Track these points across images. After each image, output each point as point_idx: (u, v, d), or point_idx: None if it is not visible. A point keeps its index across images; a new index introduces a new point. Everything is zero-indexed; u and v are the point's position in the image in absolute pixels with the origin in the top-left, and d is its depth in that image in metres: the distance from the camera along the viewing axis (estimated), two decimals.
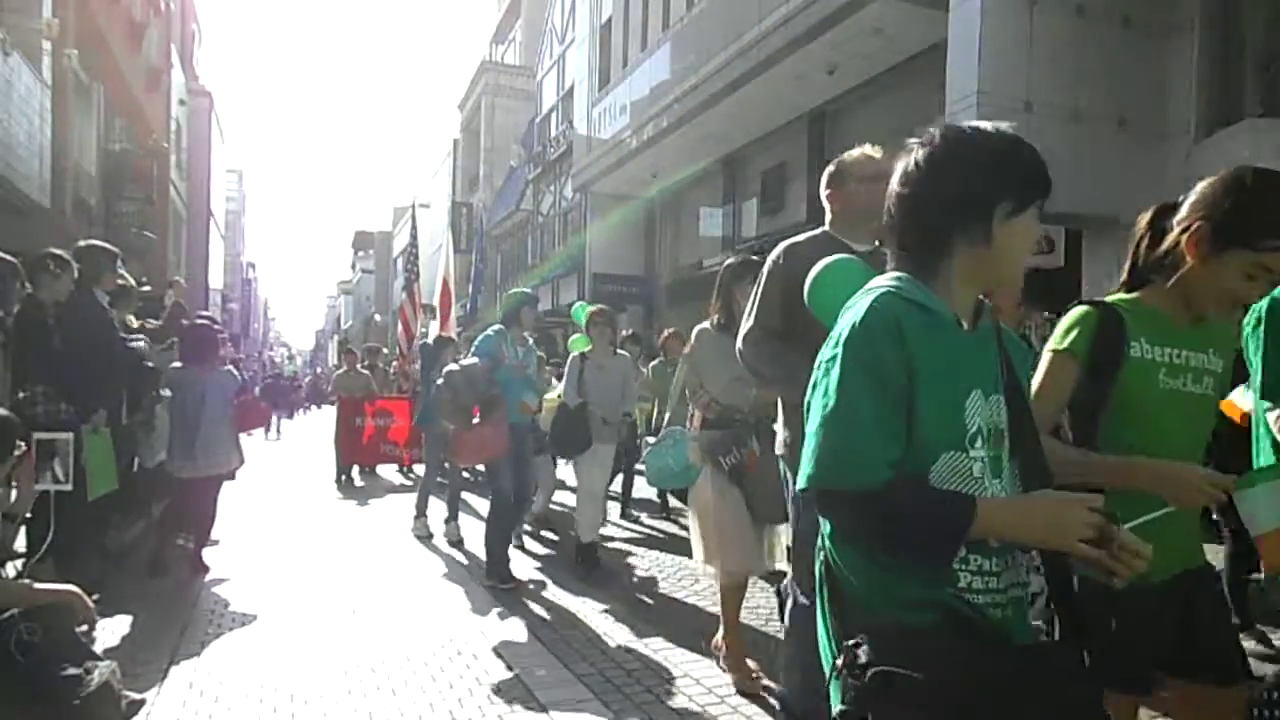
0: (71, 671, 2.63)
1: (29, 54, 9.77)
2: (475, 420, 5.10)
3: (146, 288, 7.09)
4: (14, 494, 3.31)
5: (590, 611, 4.67)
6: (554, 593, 5.10)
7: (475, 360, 5.13)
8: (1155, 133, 8.42)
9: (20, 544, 3.95)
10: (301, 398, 34.02)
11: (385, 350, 15.42)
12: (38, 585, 2.95)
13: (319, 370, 51.77)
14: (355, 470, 10.91)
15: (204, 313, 10.17)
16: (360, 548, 6.54)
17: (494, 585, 5.12)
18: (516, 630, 4.31)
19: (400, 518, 8.11)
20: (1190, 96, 8.36)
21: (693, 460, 3.88)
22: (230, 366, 5.95)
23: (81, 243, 5.16)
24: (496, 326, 5.41)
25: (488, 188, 30.46)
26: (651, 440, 5.68)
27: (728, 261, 4.02)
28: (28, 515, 3.65)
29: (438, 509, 7.37)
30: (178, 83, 22.68)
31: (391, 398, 11.56)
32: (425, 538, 6.72)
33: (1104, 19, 8.32)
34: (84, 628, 2.88)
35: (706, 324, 3.94)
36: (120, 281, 5.48)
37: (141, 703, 3.03)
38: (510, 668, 3.71)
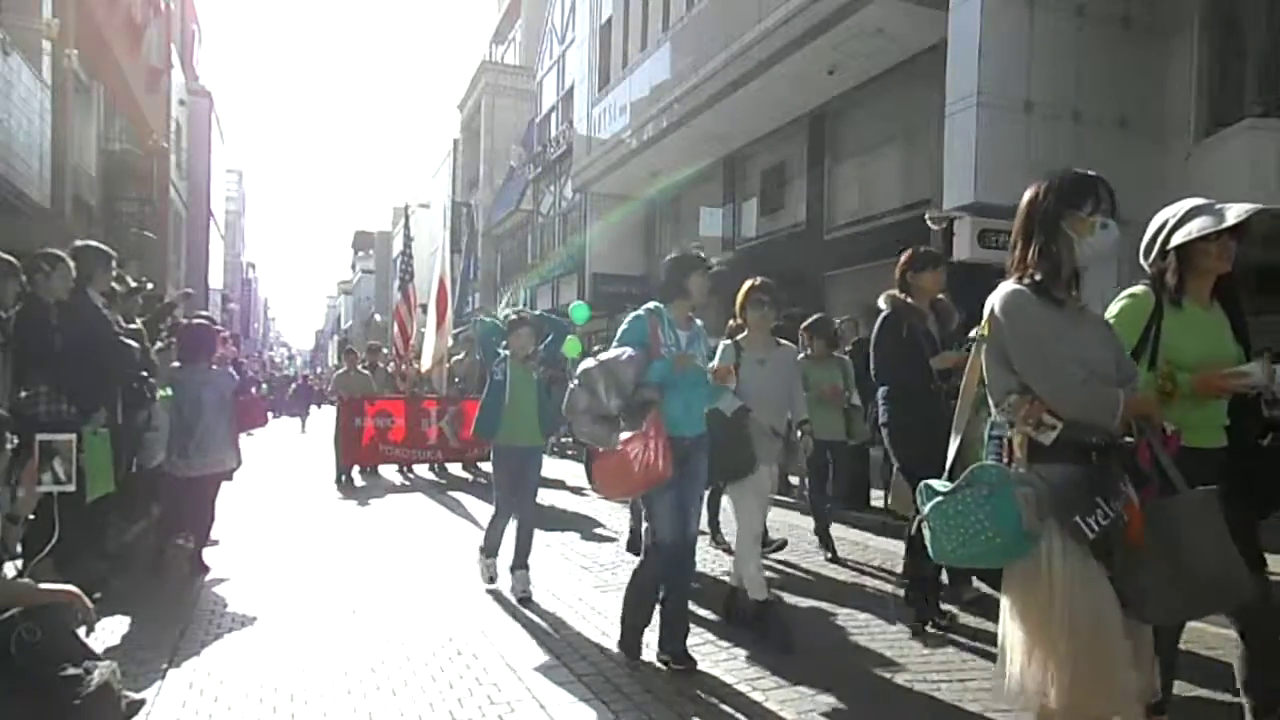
0: (71, 671, 2.63)
1: (29, 54, 9.78)
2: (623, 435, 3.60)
3: (150, 286, 7.07)
4: (17, 495, 3.31)
5: (590, 611, 4.67)
6: (554, 593, 5.10)
7: (621, 351, 3.66)
8: (1155, 133, 8.43)
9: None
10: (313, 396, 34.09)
11: (385, 350, 15.42)
12: (37, 585, 2.95)
13: (319, 370, 51.72)
14: (355, 470, 10.91)
15: (204, 313, 10.17)
16: (360, 548, 6.54)
17: (628, 661, 3.81)
18: (516, 630, 4.31)
19: (400, 518, 8.11)
20: (1190, 96, 8.36)
21: (1028, 522, 2.09)
22: (230, 367, 5.93)
23: (77, 242, 5.16)
24: (650, 305, 3.88)
25: (488, 188, 30.45)
26: None
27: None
28: (30, 516, 3.65)
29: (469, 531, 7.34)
30: (178, 83, 22.69)
31: (391, 398, 11.56)
32: (489, 581, 5.24)
33: (1104, 19, 8.33)
34: (83, 628, 2.87)
35: (1014, 283, 2.31)
36: (115, 285, 5.47)
37: (141, 703, 3.03)
38: (510, 668, 3.71)
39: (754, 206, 15.25)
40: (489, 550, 5.28)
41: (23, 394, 4.36)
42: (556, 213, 23.66)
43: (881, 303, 4.40)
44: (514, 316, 5.31)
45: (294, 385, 27.60)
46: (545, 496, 9.60)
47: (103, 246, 5.21)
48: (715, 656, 3.90)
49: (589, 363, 3.65)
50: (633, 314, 3.85)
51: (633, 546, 6.06)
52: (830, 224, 12.83)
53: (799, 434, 4.65)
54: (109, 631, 4.06)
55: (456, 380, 12.38)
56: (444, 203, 33.20)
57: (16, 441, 3.03)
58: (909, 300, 4.35)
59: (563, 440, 14.70)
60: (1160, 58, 8.45)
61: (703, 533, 5.37)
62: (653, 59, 15.41)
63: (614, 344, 3.77)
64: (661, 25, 15.30)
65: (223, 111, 40.00)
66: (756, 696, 3.41)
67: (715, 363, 4.24)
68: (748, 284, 4.55)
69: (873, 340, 4.39)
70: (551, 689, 3.45)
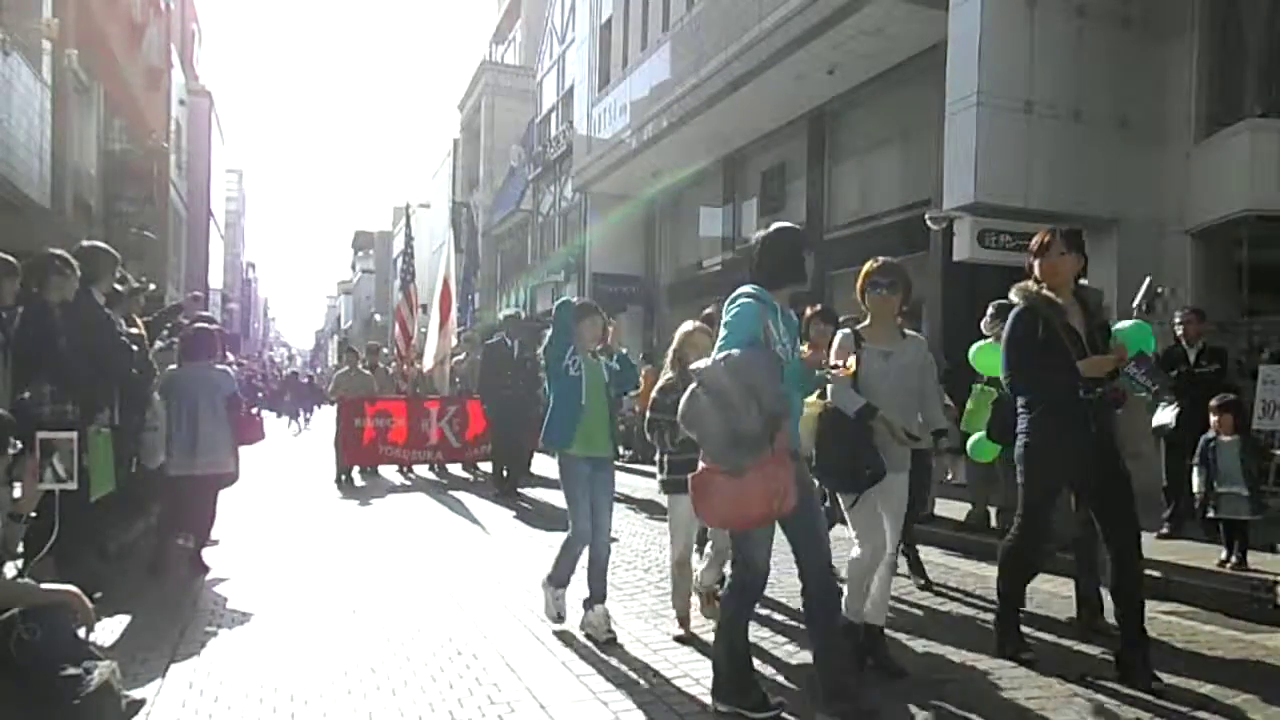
0: (71, 671, 2.63)
1: (29, 54, 9.77)
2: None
3: (153, 287, 7.08)
4: (17, 492, 3.31)
5: None
6: None
7: (752, 351, 2.89)
8: (1155, 133, 8.42)
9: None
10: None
11: (386, 350, 15.43)
12: (37, 585, 2.95)
13: (318, 370, 51.72)
14: (355, 470, 10.91)
15: (204, 313, 10.18)
16: (360, 548, 6.54)
17: (734, 712, 3.12)
18: (516, 630, 4.31)
19: (400, 518, 8.11)
20: (1190, 96, 8.36)
21: None
22: (225, 367, 5.90)
23: (84, 243, 5.16)
24: (751, 288, 3.12)
25: (488, 188, 30.46)
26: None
27: None
28: (32, 515, 3.65)
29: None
30: (178, 83, 22.69)
31: (392, 398, 11.56)
32: (557, 619, 4.36)
33: (1104, 19, 8.33)
34: (83, 628, 2.88)
35: None
36: (118, 285, 5.48)
37: (141, 703, 3.03)
38: (510, 668, 3.71)
39: (754, 206, 15.26)
40: (558, 580, 4.37)
41: (26, 394, 4.36)
42: (556, 213, 23.66)
43: (1014, 295, 3.72)
44: (582, 301, 4.55)
45: (287, 389, 27.43)
46: (545, 496, 9.64)
47: (108, 248, 5.21)
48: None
49: (707, 364, 2.88)
50: (741, 298, 3.05)
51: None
52: (830, 224, 12.83)
53: (937, 444, 4.01)
54: (109, 631, 4.06)
55: (457, 381, 12.38)
56: (446, 203, 33.22)
57: (20, 447, 3.04)
58: (1045, 291, 3.62)
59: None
60: (1160, 58, 8.44)
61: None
62: (653, 59, 15.41)
63: (723, 336, 2.98)
64: (661, 25, 15.30)
65: (223, 111, 40.00)
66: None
67: (834, 352, 3.49)
68: (867, 265, 3.80)
69: (1004, 341, 3.72)
70: (551, 689, 3.45)
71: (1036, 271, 3.65)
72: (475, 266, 20.22)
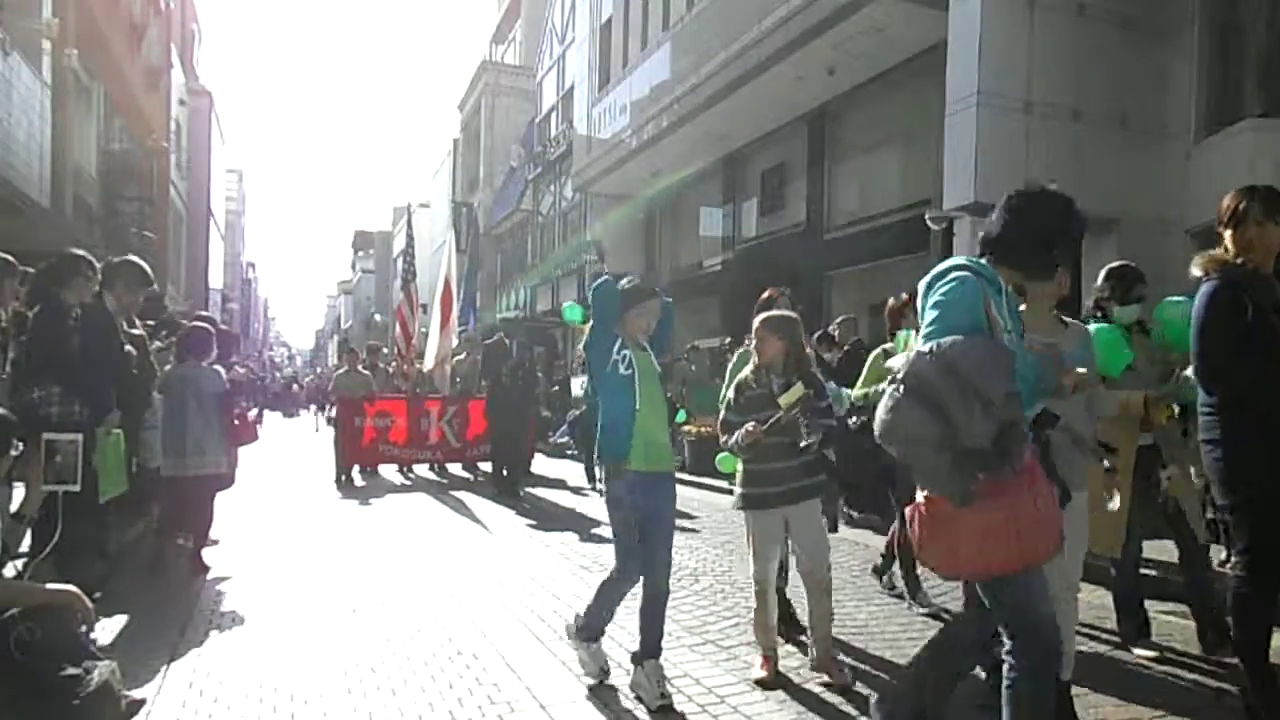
0: (71, 671, 2.63)
1: (29, 54, 9.78)
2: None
3: (152, 287, 7.07)
4: (20, 492, 3.32)
5: None
6: (554, 593, 5.10)
7: (970, 342, 2.17)
8: (1155, 133, 8.42)
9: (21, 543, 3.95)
10: (303, 398, 34.26)
11: (385, 350, 15.43)
12: (38, 585, 2.95)
13: (319, 370, 51.82)
14: (355, 470, 10.91)
15: (203, 313, 10.18)
16: (360, 548, 6.54)
17: None
18: (516, 630, 4.31)
19: (400, 518, 8.11)
20: (1190, 96, 8.36)
21: None
22: (217, 367, 5.88)
23: (116, 259, 5.18)
24: (965, 258, 2.41)
25: (488, 188, 30.46)
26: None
27: None
28: (34, 515, 3.65)
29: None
30: (178, 83, 22.70)
31: (391, 398, 11.56)
32: (599, 677, 3.56)
33: (1104, 19, 8.32)
34: (83, 628, 2.88)
35: None
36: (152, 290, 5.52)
37: (141, 703, 3.03)
38: (510, 668, 3.71)
39: (754, 206, 15.26)
40: (591, 631, 3.59)
41: (36, 394, 4.36)
42: (556, 213, 23.66)
43: (1196, 269, 3.03)
44: (632, 282, 3.64)
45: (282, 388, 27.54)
46: (546, 495, 9.65)
47: (140, 263, 5.20)
48: (715, 656, 3.90)
49: (910, 359, 2.19)
50: (952, 272, 2.33)
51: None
52: (830, 224, 12.83)
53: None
54: (109, 631, 4.06)
55: (458, 380, 12.39)
56: (446, 203, 33.23)
57: (21, 447, 3.04)
58: (1247, 264, 2.92)
59: (559, 440, 14.72)
60: (1160, 58, 8.45)
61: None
62: (653, 59, 15.41)
63: (931, 321, 2.27)
64: (661, 25, 15.30)
65: (223, 111, 40.05)
66: (756, 696, 3.41)
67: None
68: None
69: (1196, 325, 2.95)
70: (551, 689, 3.45)
71: (1228, 243, 2.97)
72: (478, 266, 20.20)
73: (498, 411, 9.85)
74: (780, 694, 3.43)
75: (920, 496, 2.29)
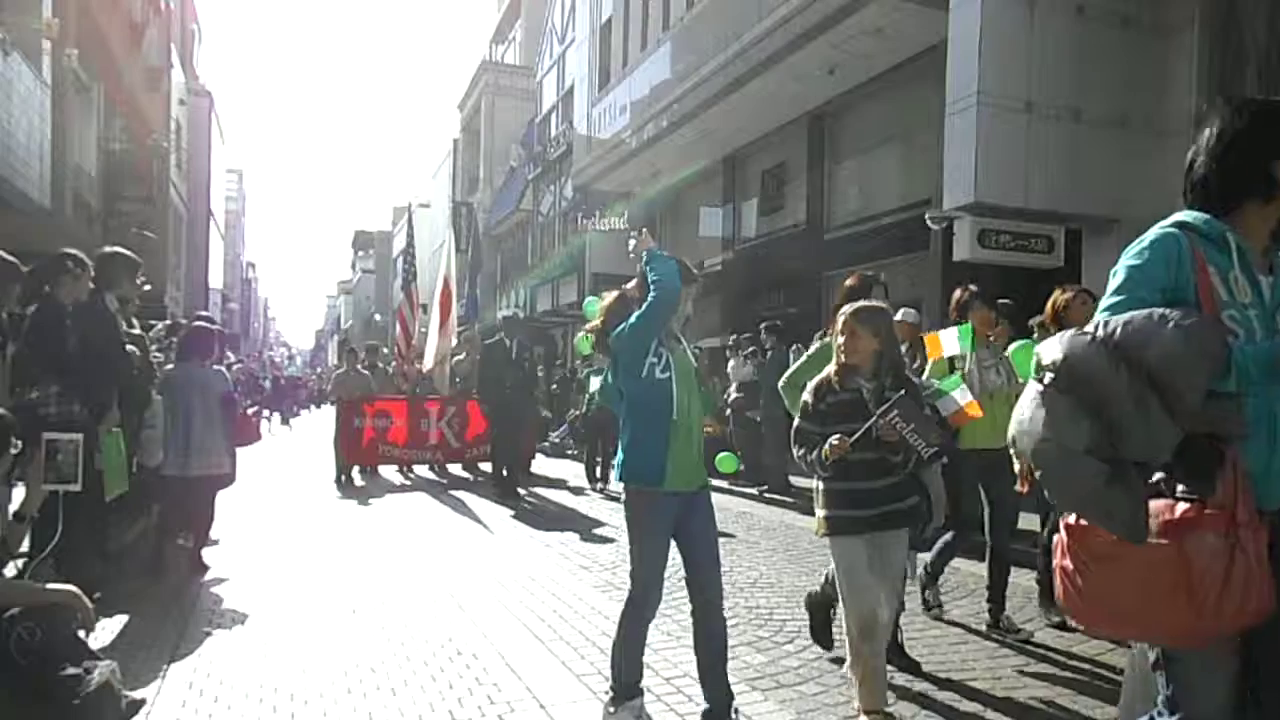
0: (71, 671, 2.63)
1: (29, 54, 9.78)
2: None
3: (147, 287, 7.08)
4: (20, 493, 3.32)
5: (590, 611, 4.67)
6: (554, 593, 5.10)
7: (1138, 318, 1.65)
8: (1155, 133, 8.41)
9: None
10: (304, 398, 34.30)
11: (385, 350, 15.43)
12: (38, 586, 2.95)
13: (319, 371, 51.85)
14: (355, 470, 10.91)
15: (203, 313, 10.18)
16: (360, 548, 6.54)
17: None
18: (516, 630, 4.31)
19: (400, 518, 8.11)
20: (1190, 96, 8.35)
21: None
22: (220, 367, 5.89)
23: (105, 249, 5.18)
24: (1186, 214, 1.90)
25: (488, 188, 30.46)
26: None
27: None
28: (34, 515, 3.65)
29: None
30: (178, 83, 22.71)
31: (391, 398, 11.56)
32: None
33: (1104, 19, 8.32)
34: (83, 628, 2.88)
35: None
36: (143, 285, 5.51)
37: (141, 703, 3.03)
38: (510, 668, 3.71)
39: (754, 206, 15.25)
40: (627, 689, 3.06)
41: (34, 394, 4.36)
42: (556, 213, 23.66)
43: None
44: (681, 261, 3.14)
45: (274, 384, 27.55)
46: (546, 495, 9.65)
47: (129, 254, 5.20)
48: None
49: (1066, 341, 1.71)
50: (1154, 231, 1.87)
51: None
52: (830, 224, 12.83)
53: None
54: (109, 631, 4.07)
55: (458, 381, 12.38)
56: (446, 203, 33.23)
57: (20, 446, 3.04)
58: None
59: (555, 441, 14.73)
60: (1160, 58, 8.44)
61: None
62: (653, 59, 15.41)
63: (1113, 291, 1.81)
64: (661, 25, 15.30)
65: (223, 111, 40.02)
66: (756, 695, 3.41)
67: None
68: None
69: None
70: (551, 689, 3.45)
71: None
72: (479, 265, 20.19)
73: (497, 411, 9.84)
74: (780, 694, 3.44)
75: (1065, 524, 1.77)
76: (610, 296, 3.11)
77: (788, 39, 10.81)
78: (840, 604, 3.14)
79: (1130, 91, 8.37)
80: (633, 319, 2.94)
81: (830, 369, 3.13)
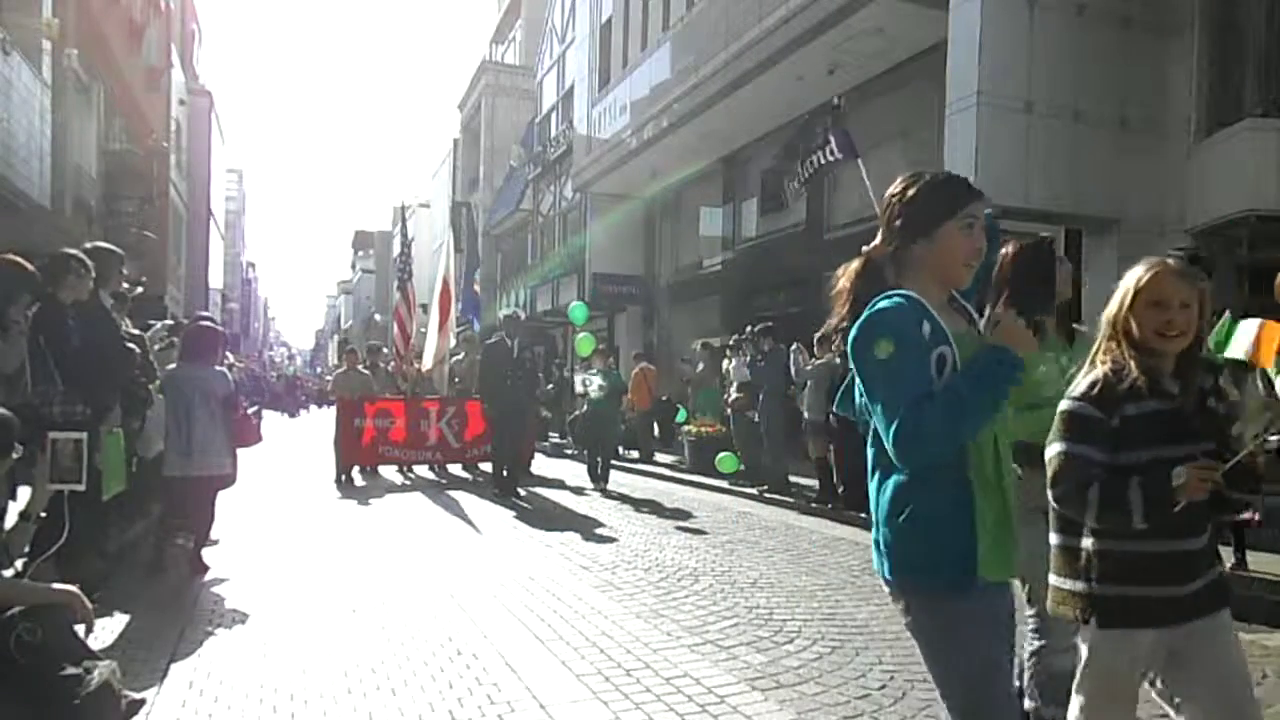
0: (71, 671, 2.63)
1: (29, 54, 9.78)
2: None
3: (140, 289, 7.08)
4: (25, 493, 3.32)
5: (590, 611, 4.67)
6: (554, 593, 5.10)
7: None
8: (1155, 133, 8.42)
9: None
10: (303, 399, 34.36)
11: (385, 350, 15.42)
12: (38, 585, 2.95)
13: (319, 370, 51.89)
14: (355, 470, 10.91)
15: (204, 313, 10.18)
16: (360, 548, 6.54)
17: None
18: (516, 630, 4.31)
19: (400, 518, 8.11)
20: (1190, 96, 8.35)
21: None
22: (222, 368, 5.88)
23: (88, 244, 5.17)
24: None
25: (488, 188, 30.46)
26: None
27: None
28: (40, 514, 3.66)
29: None
30: (178, 83, 22.70)
31: (391, 398, 11.56)
32: None
33: (1104, 19, 8.32)
34: (83, 628, 2.88)
35: None
36: (125, 285, 5.51)
37: (141, 703, 3.03)
38: (510, 668, 3.71)
39: (754, 206, 15.25)
40: None
41: (37, 393, 4.35)
42: (556, 213, 23.65)
43: None
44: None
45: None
46: (546, 495, 9.64)
47: (114, 248, 5.22)
48: (715, 656, 3.90)
49: None
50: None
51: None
52: (830, 224, 12.83)
53: None
54: (109, 631, 4.06)
55: (457, 380, 12.38)
56: (446, 203, 33.24)
57: (22, 450, 3.04)
58: None
59: (552, 442, 14.72)
60: (1160, 58, 8.44)
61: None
62: (653, 59, 15.41)
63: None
64: (661, 25, 15.30)
65: (223, 111, 40.04)
66: (756, 696, 3.41)
67: None
68: None
69: None
70: (551, 689, 3.45)
71: None
72: (476, 265, 20.19)
73: (498, 411, 9.84)
74: (780, 694, 3.44)
75: None
76: (853, 265, 2.00)
77: (788, 39, 10.81)
78: None
79: (1130, 91, 8.37)
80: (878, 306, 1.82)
81: (1104, 367, 2.02)
